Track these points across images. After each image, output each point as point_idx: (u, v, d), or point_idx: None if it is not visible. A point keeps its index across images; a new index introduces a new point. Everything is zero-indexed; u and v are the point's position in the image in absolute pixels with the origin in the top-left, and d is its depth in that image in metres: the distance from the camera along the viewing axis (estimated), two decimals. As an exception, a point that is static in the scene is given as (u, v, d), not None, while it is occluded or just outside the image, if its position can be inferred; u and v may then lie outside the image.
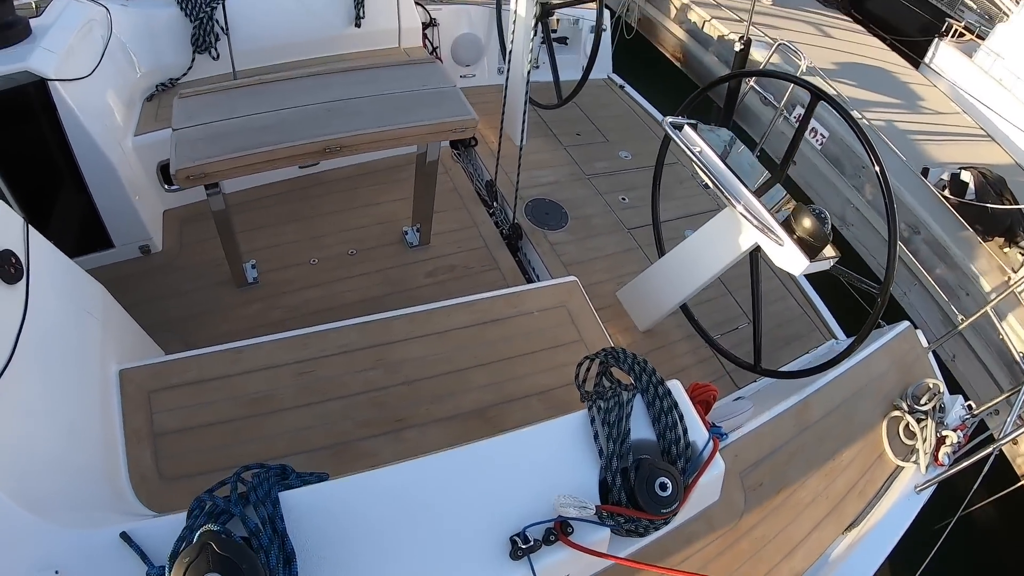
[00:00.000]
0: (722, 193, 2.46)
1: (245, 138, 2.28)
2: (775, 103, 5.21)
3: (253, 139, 2.27)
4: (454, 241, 3.22)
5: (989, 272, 4.48)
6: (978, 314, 3.24)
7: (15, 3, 2.46)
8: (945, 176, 5.06)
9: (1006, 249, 4.79)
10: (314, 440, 1.77)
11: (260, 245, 3.01)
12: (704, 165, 2.51)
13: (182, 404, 1.79)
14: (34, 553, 1.20)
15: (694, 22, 6.82)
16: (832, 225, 2.33)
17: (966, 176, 4.91)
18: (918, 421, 2.47)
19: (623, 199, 3.76)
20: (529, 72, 3.21)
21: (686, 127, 2.62)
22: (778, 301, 3.59)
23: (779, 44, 3.59)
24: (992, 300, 3.55)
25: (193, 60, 3.24)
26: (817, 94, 2.41)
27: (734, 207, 2.42)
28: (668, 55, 7.40)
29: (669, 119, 2.66)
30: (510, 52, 3.68)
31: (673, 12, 7.09)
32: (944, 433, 2.45)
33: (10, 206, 1.68)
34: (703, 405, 2.20)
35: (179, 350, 1.98)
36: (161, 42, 3.17)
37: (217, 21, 3.19)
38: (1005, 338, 4.14)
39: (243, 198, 3.18)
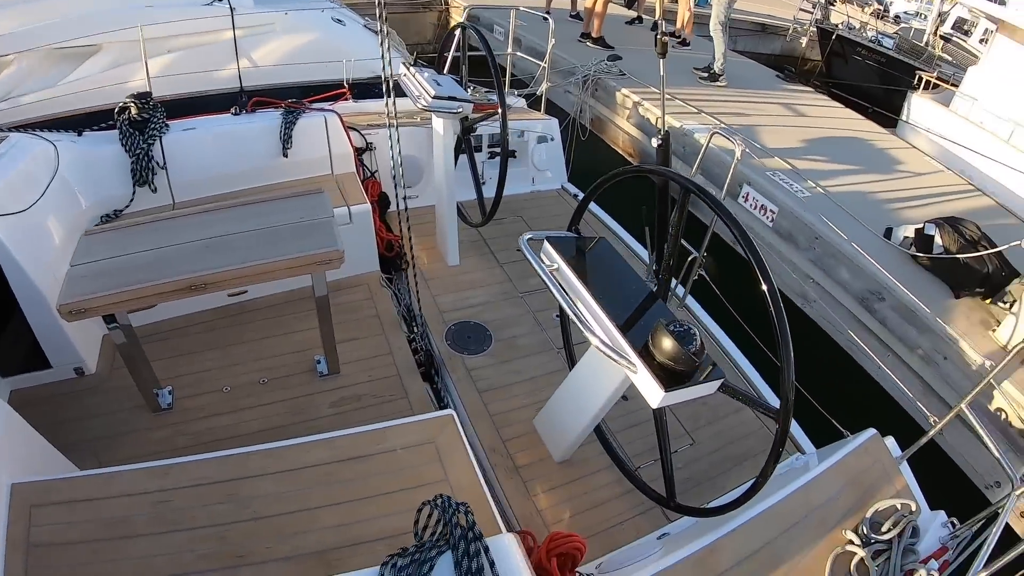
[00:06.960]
0: (579, 322, 2.15)
1: (124, 276, 2.33)
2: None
3: (129, 277, 2.33)
4: (367, 369, 3.16)
5: (970, 332, 4.12)
6: (970, 396, 2.46)
7: None
8: (909, 233, 4.80)
9: (987, 302, 4.41)
10: (156, 568, 1.79)
11: (180, 371, 3.05)
12: (559, 285, 2.24)
13: (57, 520, 1.87)
14: None
15: (645, 117, 6.98)
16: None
17: (931, 229, 4.62)
18: (875, 556, 1.99)
19: (556, 316, 3.53)
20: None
21: (546, 243, 2.39)
22: (733, 414, 3.20)
23: (714, 131, 3.45)
24: (986, 372, 3.11)
25: (134, 193, 3.37)
26: (688, 187, 2.14)
27: (592, 332, 2.11)
28: (621, 152, 7.47)
29: (528, 236, 2.42)
30: (436, 171, 3.64)
31: (624, 111, 7.27)
32: (911, 567, 1.96)
33: None
34: (564, 558, 1.97)
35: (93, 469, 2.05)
36: (105, 176, 3.31)
37: (153, 156, 3.35)
38: (1003, 407, 3.71)
39: (171, 325, 3.25)
